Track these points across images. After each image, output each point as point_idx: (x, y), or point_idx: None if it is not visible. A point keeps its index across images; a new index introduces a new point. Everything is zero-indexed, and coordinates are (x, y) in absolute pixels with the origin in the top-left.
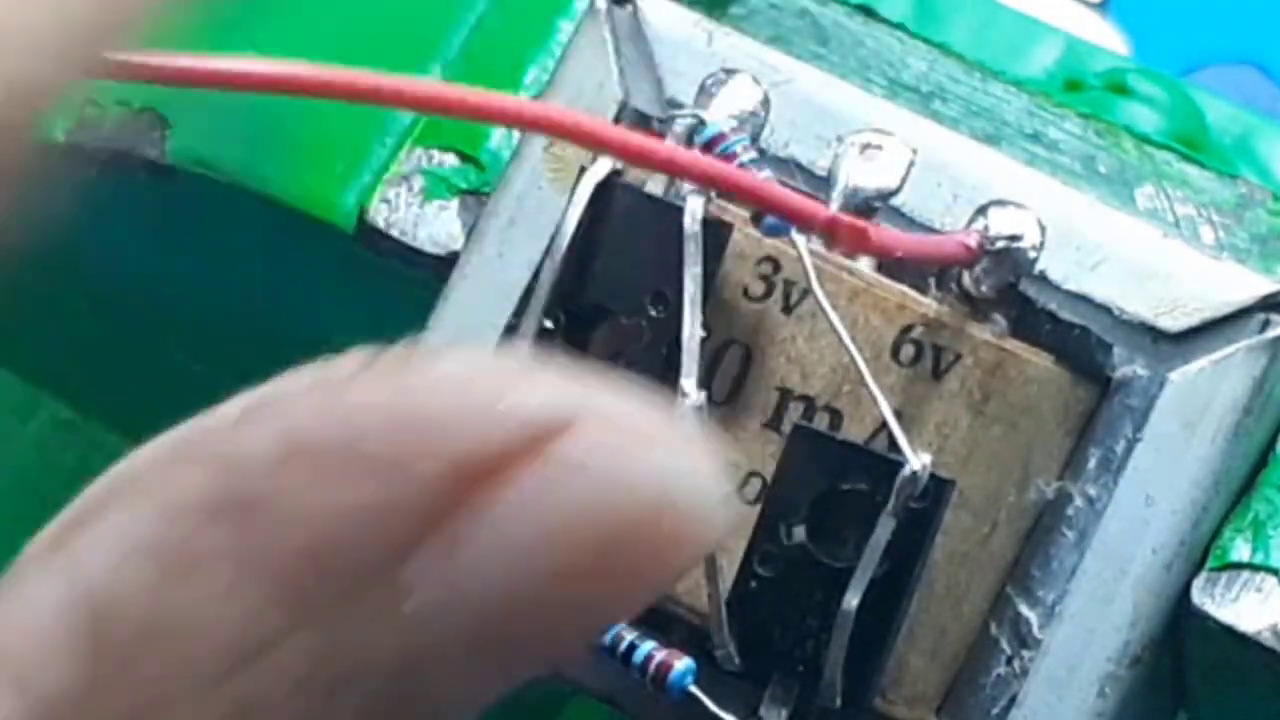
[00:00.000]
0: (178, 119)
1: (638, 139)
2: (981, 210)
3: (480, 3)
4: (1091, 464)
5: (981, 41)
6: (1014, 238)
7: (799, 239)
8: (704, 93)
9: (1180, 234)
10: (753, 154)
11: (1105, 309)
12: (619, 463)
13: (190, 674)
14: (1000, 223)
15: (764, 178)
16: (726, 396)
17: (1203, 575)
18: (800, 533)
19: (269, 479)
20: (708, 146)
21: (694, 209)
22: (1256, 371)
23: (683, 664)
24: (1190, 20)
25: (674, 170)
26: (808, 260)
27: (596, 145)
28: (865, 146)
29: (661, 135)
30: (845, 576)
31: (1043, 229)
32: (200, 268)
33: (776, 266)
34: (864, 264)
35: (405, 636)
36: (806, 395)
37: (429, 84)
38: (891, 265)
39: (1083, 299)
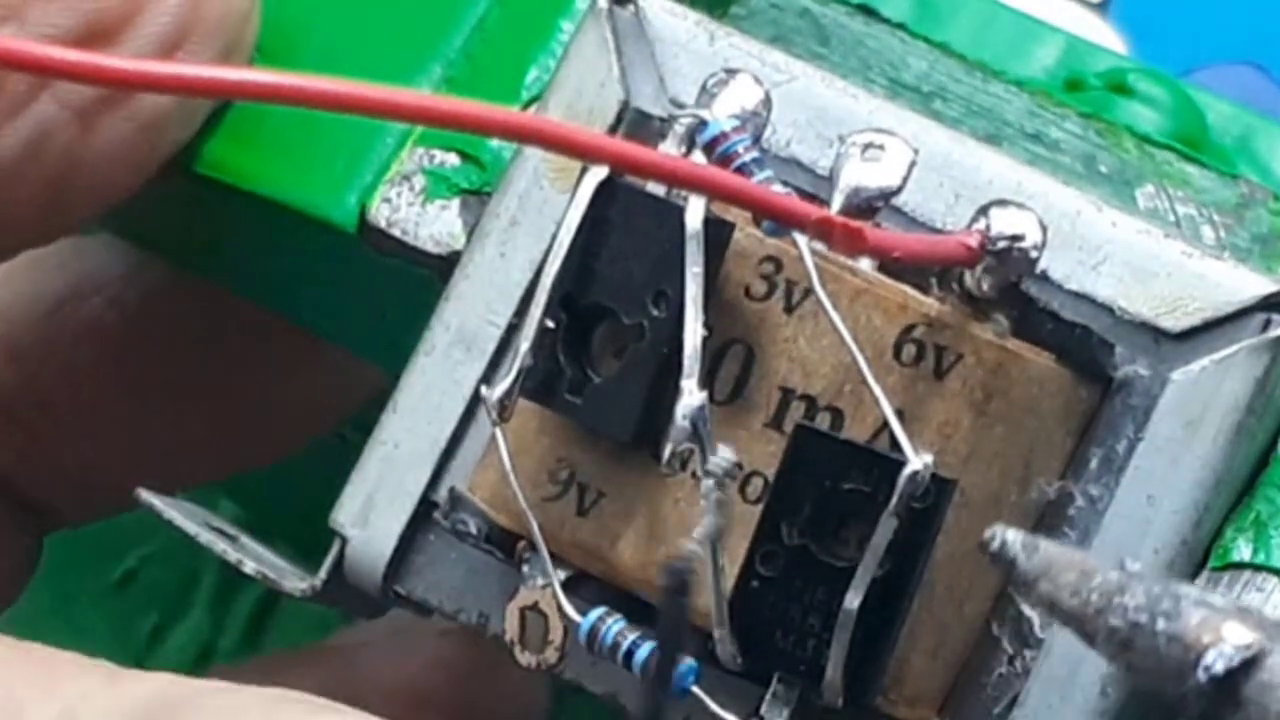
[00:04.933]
0: None
1: (620, 147)
2: (983, 210)
3: (481, 2)
4: (1093, 464)
5: (982, 41)
6: (1016, 237)
7: (800, 238)
8: (705, 93)
9: (1181, 234)
10: (754, 154)
11: (1107, 308)
12: None
13: None
14: (1002, 222)
15: (759, 179)
16: (728, 396)
17: (1204, 575)
18: (802, 532)
19: None
20: (709, 146)
21: (695, 208)
22: (1258, 371)
23: (684, 664)
24: (1190, 20)
25: (661, 176)
26: (809, 260)
27: (585, 156)
28: (867, 146)
29: (663, 135)
30: (847, 576)
31: (1044, 229)
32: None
33: (778, 266)
34: (865, 263)
35: None
36: (808, 395)
37: (420, 96)
38: (893, 265)
39: (1084, 298)
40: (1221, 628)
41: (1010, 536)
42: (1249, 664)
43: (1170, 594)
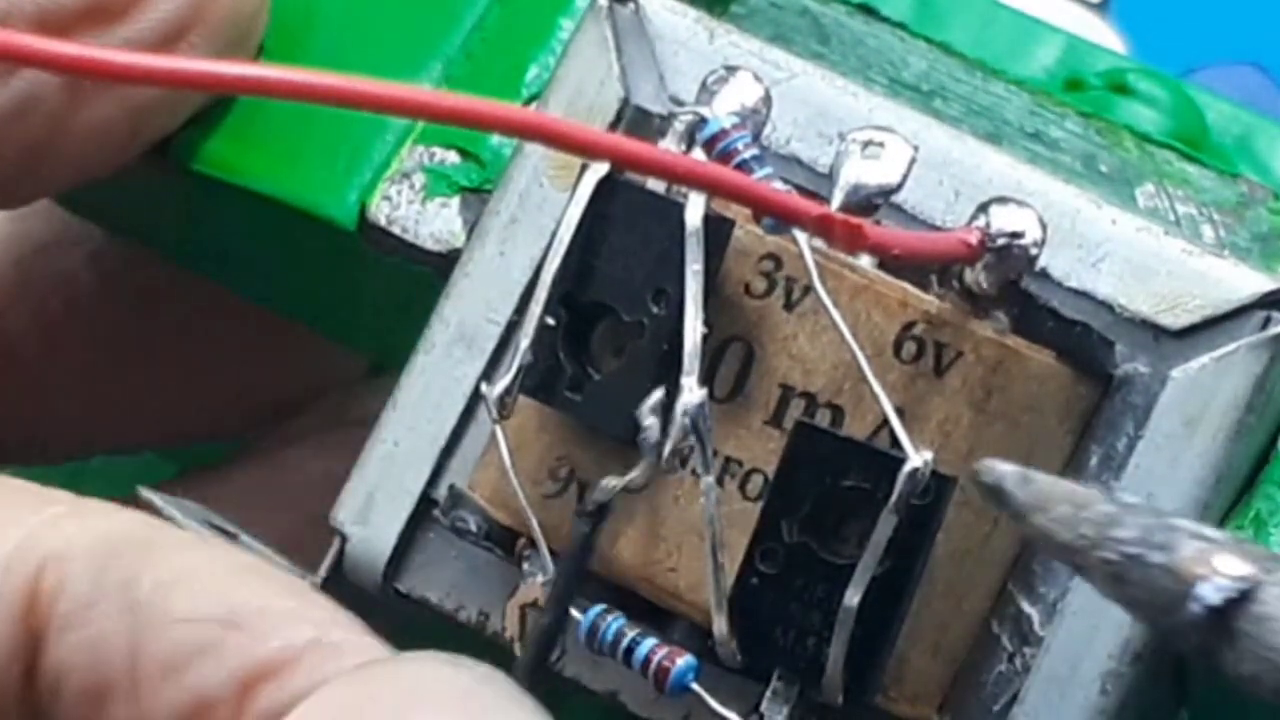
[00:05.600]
0: None
1: (620, 144)
2: (983, 207)
3: (481, 1)
4: (1093, 461)
5: (982, 41)
6: (1015, 235)
7: (800, 236)
8: (705, 90)
9: (1181, 232)
10: (754, 151)
11: (1107, 306)
12: None
13: None
14: (1002, 220)
15: (759, 176)
16: (728, 394)
17: None
18: (802, 529)
19: None
20: (709, 144)
21: (695, 205)
22: (1258, 369)
23: (684, 661)
24: (1190, 20)
25: (661, 173)
26: (809, 257)
27: (585, 153)
28: (867, 144)
29: (663, 133)
30: (847, 573)
31: (1044, 226)
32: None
33: (778, 263)
34: (865, 261)
35: None
36: (808, 392)
37: (419, 92)
38: (893, 262)
39: (1084, 296)
40: (1214, 559)
41: (1003, 469)
42: (1243, 595)
43: (1164, 526)
